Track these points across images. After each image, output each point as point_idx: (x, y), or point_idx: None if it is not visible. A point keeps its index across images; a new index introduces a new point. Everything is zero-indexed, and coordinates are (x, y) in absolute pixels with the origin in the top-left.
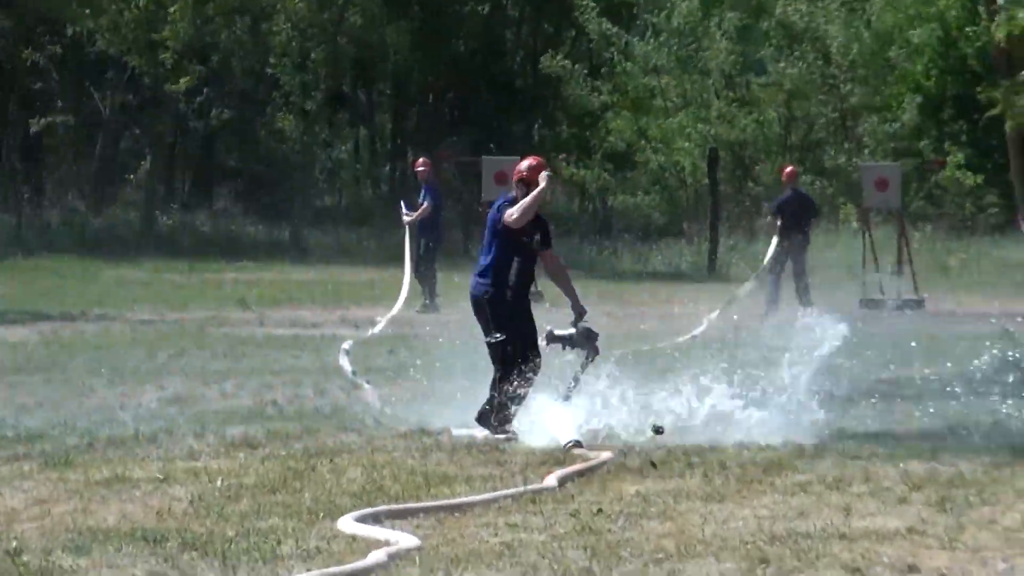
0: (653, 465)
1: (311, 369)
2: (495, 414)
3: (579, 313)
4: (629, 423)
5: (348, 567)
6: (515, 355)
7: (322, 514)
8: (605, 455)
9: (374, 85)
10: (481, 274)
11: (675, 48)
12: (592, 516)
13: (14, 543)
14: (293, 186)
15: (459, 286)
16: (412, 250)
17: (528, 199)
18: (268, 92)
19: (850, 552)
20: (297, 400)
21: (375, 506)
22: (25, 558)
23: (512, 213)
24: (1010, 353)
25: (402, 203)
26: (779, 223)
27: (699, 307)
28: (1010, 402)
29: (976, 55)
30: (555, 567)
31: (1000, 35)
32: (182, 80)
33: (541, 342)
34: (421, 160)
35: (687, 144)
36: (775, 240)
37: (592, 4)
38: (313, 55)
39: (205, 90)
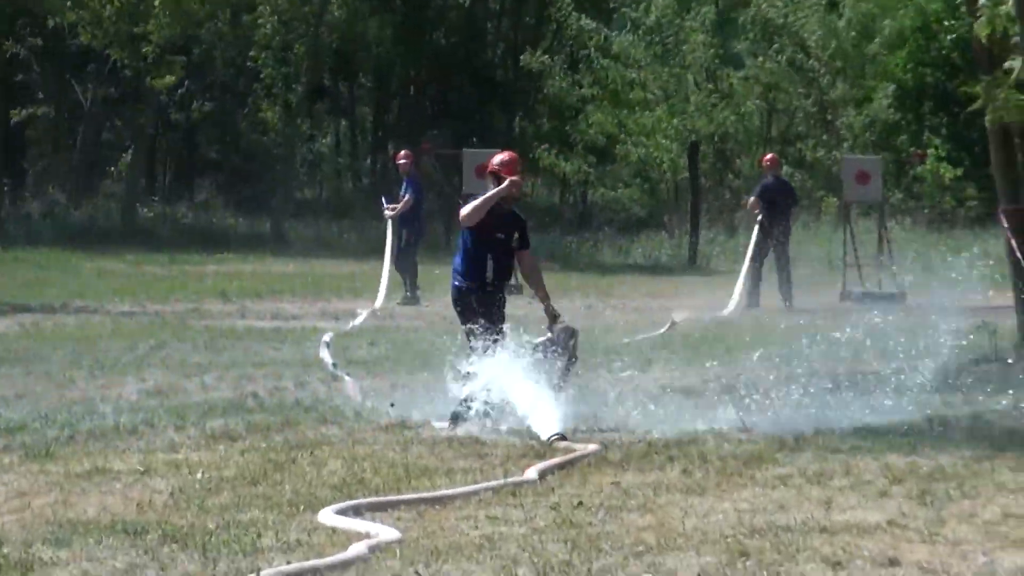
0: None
1: (292, 361)
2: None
3: (552, 316)
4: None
5: (328, 560)
6: (483, 348)
7: (302, 506)
8: (592, 447)
9: (355, 78)
10: (457, 269)
11: (654, 42)
12: (572, 509)
13: None
14: (274, 178)
15: (440, 279)
16: (392, 243)
17: (481, 199)
18: (249, 84)
19: (830, 545)
20: (277, 392)
21: (355, 498)
22: (5, 550)
23: (464, 210)
24: (989, 345)
25: (383, 198)
26: (757, 212)
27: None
28: (990, 395)
29: (955, 47)
30: (535, 560)
31: (983, 32)
32: (168, 77)
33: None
34: (402, 153)
35: (664, 141)
36: (756, 228)
37: (569, 0)
38: (296, 47)
39: (186, 83)
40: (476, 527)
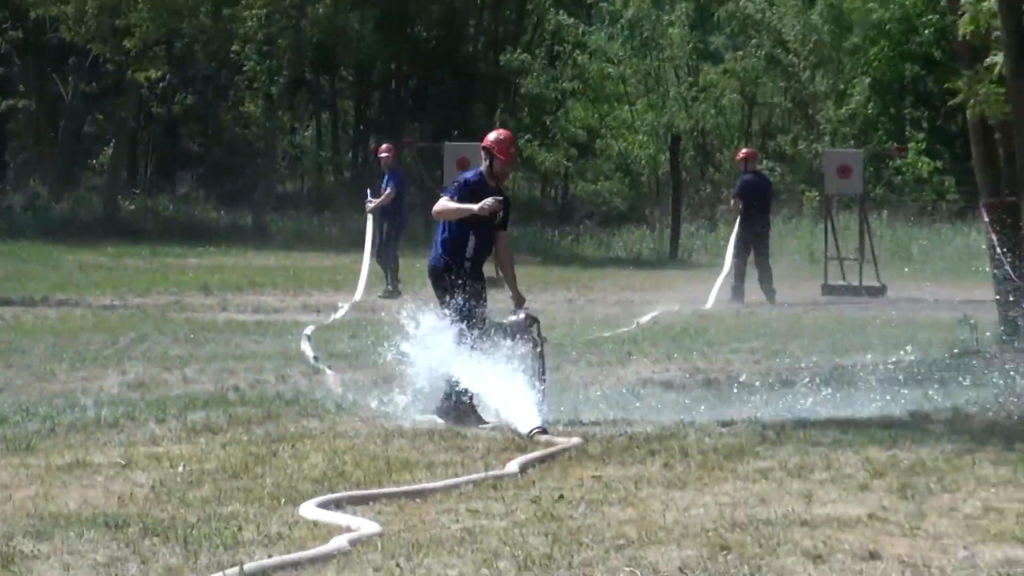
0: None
1: (273, 354)
2: (452, 403)
3: (519, 301)
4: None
5: (308, 553)
6: (461, 323)
7: (283, 500)
8: (572, 441)
9: (336, 71)
10: (438, 246)
11: (631, 37)
12: (553, 502)
13: None
14: (256, 172)
15: (421, 272)
16: (373, 236)
17: (455, 207)
18: (231, 77)
19: (811, 539)
20: (259, 385)
21: (337, 492)
22: None
23: (437, 206)
24: (970, 339)
25: (368, 191)
26: (741, 207)
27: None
28: (971, 389)
29: (935, 41)
30: (516, 553)
31: (967, 29)
32: (151, 71)
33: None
34: (384, 146)
35: (642, 137)
36: (738, 224)
37: None
38: (279, 42)
39: (167, 76)
40: (457, 520)
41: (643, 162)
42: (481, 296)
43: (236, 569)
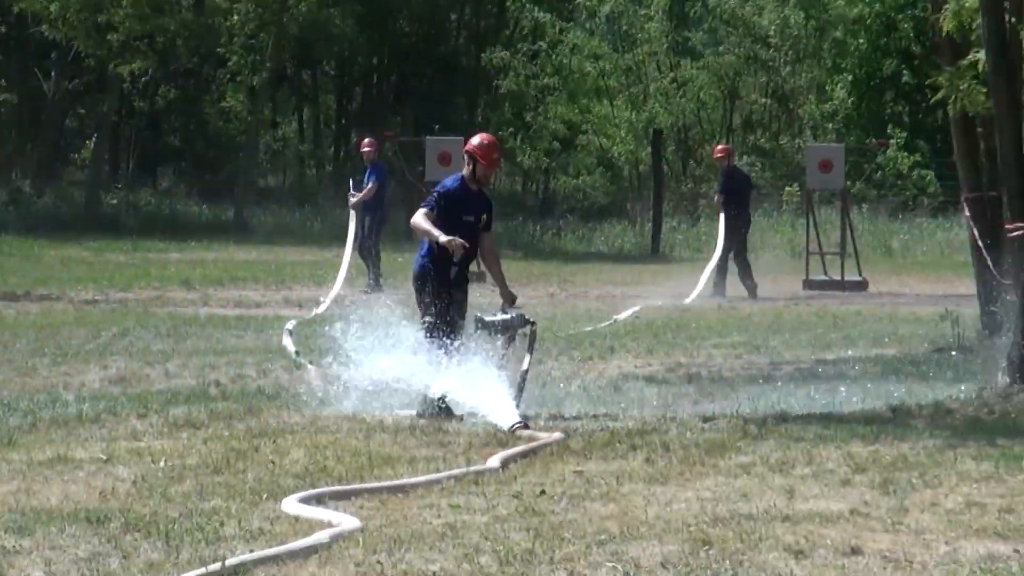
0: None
1: (255, 349)
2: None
3: (510, 299)
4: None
5: (285, 547)
6: (440, 333)
7: (265, 495)
8: (554, 436)
9: (318, 66)
10: (423, 252)
11: (609, 32)
12: (535, 498)
13: None
14: (237, 166)
15: (403, 266)
16: (355, 230)
17: (424, 229)
18: (213, 72)
19: (793, 534)
20: (240, 380)
21: (318, 487)
22: None
23: (414, 219)
24: (952, 334)
25: (350, 181)
26: (722, 202)
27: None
28: (952, 383)
29: (915, 37)
30: (498, 549)
31: (949, 26)
32: (134, 65)
33: (469, 328)
34: (366, 140)
35: (623, 132)
36: (722, 220)
37: None
38: (260, 36)
39: (149, 71)
40: (439, 515)
41: (624, 158)
42: (462, 307)
43: (218, 564)
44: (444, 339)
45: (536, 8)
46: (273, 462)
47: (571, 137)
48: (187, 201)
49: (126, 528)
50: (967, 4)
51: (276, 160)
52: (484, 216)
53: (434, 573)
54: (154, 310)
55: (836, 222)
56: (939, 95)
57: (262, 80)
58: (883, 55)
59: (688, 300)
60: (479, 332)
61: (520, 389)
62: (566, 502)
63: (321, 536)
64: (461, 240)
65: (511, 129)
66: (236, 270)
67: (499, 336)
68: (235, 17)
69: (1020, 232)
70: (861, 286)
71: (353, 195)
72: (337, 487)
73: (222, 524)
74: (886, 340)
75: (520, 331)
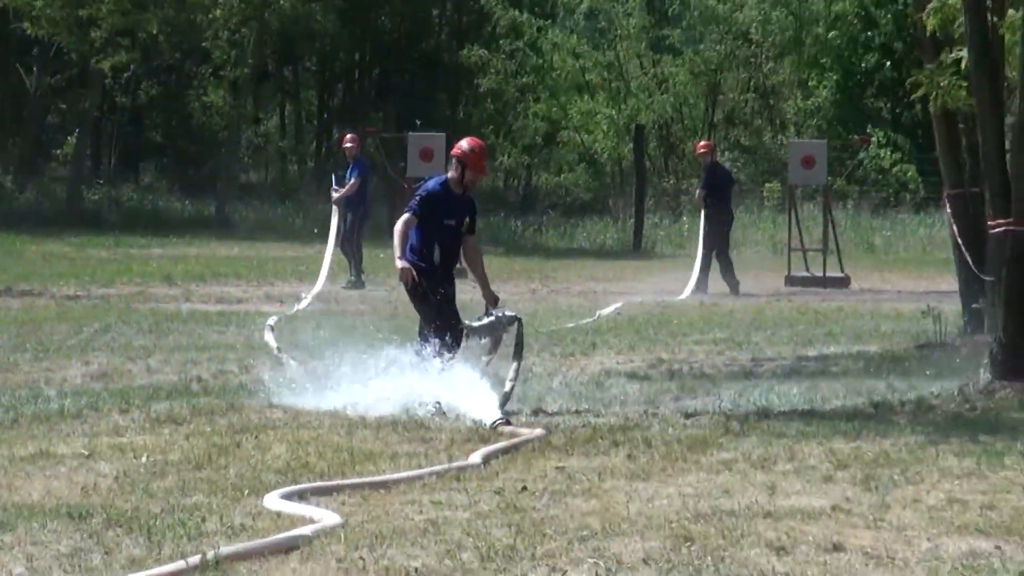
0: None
1: (236, 345)
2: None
3: (492, 300)
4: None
5: (260, 542)
6: (444, 330)
7: (247, 491)
8: (536, 432)
9: (300, 62)
10: (408, 254)
11: (588, 29)
12: (516, 494)
13: None
14: (219, 162)
15: (385, 263)
16: (338, 226)
17: (395, 242)
18: (195, 67)
19: (775, 531)
20: (222, 376)
21: (300, 483)
22: None
23: (399, 222)
24: (934, 330)
25: (332, 176)
26: (704, 198)
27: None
28: (934, 380)
29: (895, 31)
30: (479, 545)
31: (933, 24)
32: (115, 59)
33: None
34: (349, 136)
35: (604, 129)
36: (704, 216)
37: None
38: (244, 30)
39: (132, 66)
40: (420, 512)
41: (606, 154)
42: (452, 299)
43: (198, 557)
44: (449, 333)
45: (512, 8)
46: (255, 457)
47: (553, 132)
48: (169, 197)
49: (108, 524)
50: (950, 1)
51: (258, 156)
52: (467, 219)
53: (416, 569)
54: (136, 306)
55: (818, 218)
56: (919, 92)
57: (244, 76)
58: (864, 51)
59: (681, 297)
60: (469, 339)
61: (511, 388)
62: (548, 498)
63: (303, 531)
64: (412, 274)
65: (491, 127)
66: (218, 266)
67: (487, 338)
68: (217, 11)
69: (1002, 229)
70: (843, 282)
71: (336, 190)
72: (319, 483)
73: (204, 520)
74: (868, 336)
75: (507, 329)
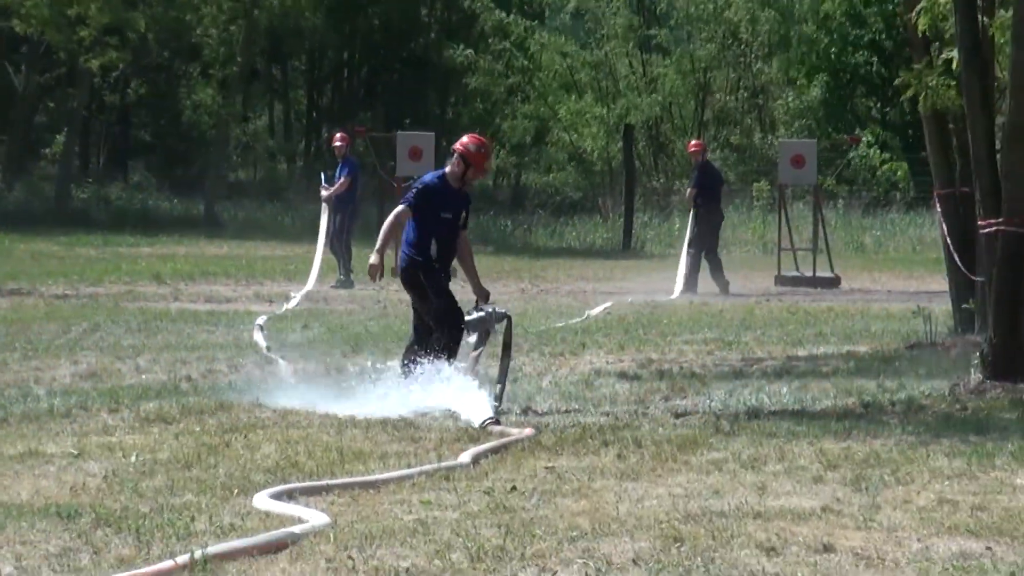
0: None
1: (225, 344)
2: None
3: (483, 295)
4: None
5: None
6: (438, 325)
7: (236, 490)
8: (526, 432)
9: (289, 60)
10: (405, 248)
11: (575, 29)
12: (506, 493)
13: None
14: (208, 161)
15: None
16: (328, 225)
17: (380, 235)
18: (184, 66)
19: (765, 531)
20: (211, 375)
21: (289, 482)
22: None
23: (392, 215)
24: (924, 330)
25: (322, 175)
26: (694, 197)
27: (614, 284)
28: (925, 380)
29: (884, 30)
30: (469, 545)
31: (923, 24)
32: (105, 59)
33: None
34: (339, 135)
35: (593, 129)
36: (693, 215)
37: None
38: (232, 28)
39: (120, 65)
40: (410, 511)
41: (595, 154)
42: (450, 292)
43: (186, 556)
44: (452, 323)
45: (498, 9)
46: (244, 457)
47: (542, 132)
48: (158, 196)
49: (97, 523)
50: (941, 0)
51: (247, 155)
52: (463, 214)
53: (405, 569)
54: (125, 305)
55: (808, 218)
56: (908, 93)
57: (233, 75)
58: (853, 49)
59: (672, 296)
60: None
61: (501, 388)
62: (537, 498)
63: (288, 531)
64: (379, 271)
65: (479, 128)
66: (207, 265)
67: (475, 334)
68: (205, 9)
69: (992, 228)
70: (833, 282)
71: (325, 187)
72: (308, 483)
73: (193, 519)
74: (858, 336)
75: (495, 326)
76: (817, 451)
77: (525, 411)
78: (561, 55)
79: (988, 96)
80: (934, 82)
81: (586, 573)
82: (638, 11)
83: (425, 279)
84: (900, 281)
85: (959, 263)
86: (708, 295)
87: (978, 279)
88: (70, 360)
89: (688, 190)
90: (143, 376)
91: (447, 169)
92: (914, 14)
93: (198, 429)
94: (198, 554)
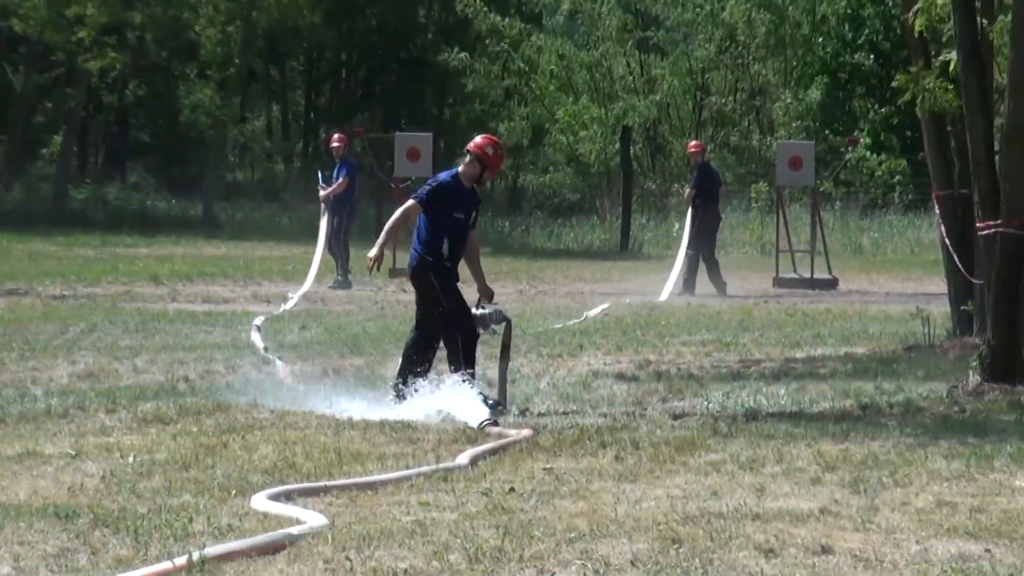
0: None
1: (223, 345)
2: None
3: (488, 295)
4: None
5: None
6: (447, 326)
7: (234, 491)
8: (523, 433)
9: (287, 61)
10: (416, 248)
11: (570, 30)
12: (504, 495)
13: None
14: (206, 161)
15: None
16: (327, 225)
17: (385, 228)
18: (182, 66)
19: (763, 533)
20: (209, 376)
21: (287, 483)
22: None
23: (400, 209)
24: (923, 332)
25: (319, 174)
26: (693, 198)
27: (611, 285)
28: (923, 382)
29: (884, 33)
30: (467, 546)
31: (919, 24)
32: (104, 61)
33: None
34: (336, 136)
35: (590, 131)
36: (690, 216)
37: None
38: (230, 28)
39: (118, 65)
40: (408, 513)
41: (593, 156)
42: (458, 292)
43: (184, 557)
44: (462, 323)
45: (493, 13)
46: (242, 458)
47: (539, 134)
48: (155, 196)
49: (95, 524)
50: (938, 1)
51: (245, 155)
52: (474, 213)
53: (404, 571)
54: (122, 305)
55: (806, 219)
56: (906, 96)
57: (231, 75)
58: (852, 51)
59: (661, 298)
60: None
61: (501, 390)
62: (535, 500)
63: (285, 532)
64: (378, 263)
65: (475, 133)
66: (204, 265)
67: (486, 331)
68: (202, 10)
69: (991, 230)
70: (831, 284)
71: (322, 187)
72: (306, 484)
73: (191, 520)
74: (856, 338)
75: (493, 326)
76: (815, 453)
77: (523, 412)
78: (558, 56)
79: (987, 98)
80: (931, 84)
81: (584, 574)
82: (633, 12)
83: (436, 279)
84: (898, 283)
85: (958, 265)
86: (706, 296)
87: (977, 281)
88: (68, 360)
89: (687, 190)
90: (140, 376)
91: (460, 169)
92: (911, 15)
93: (196, 430)
94: (196, 555)
